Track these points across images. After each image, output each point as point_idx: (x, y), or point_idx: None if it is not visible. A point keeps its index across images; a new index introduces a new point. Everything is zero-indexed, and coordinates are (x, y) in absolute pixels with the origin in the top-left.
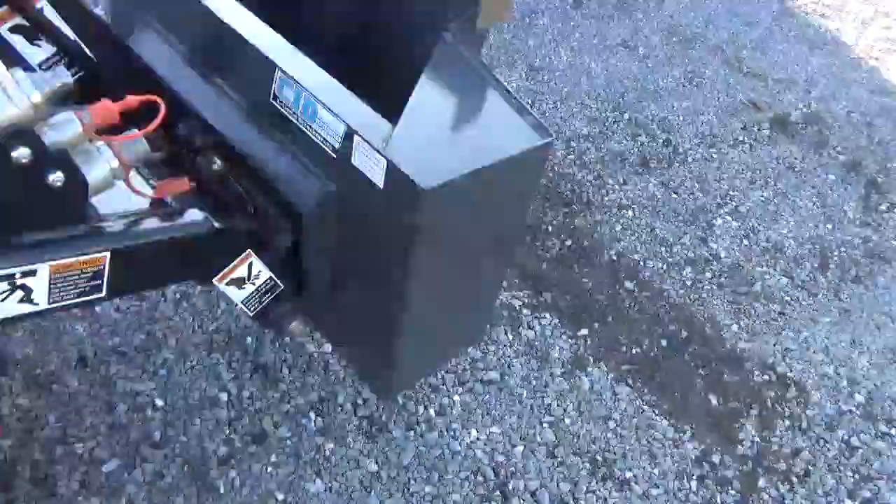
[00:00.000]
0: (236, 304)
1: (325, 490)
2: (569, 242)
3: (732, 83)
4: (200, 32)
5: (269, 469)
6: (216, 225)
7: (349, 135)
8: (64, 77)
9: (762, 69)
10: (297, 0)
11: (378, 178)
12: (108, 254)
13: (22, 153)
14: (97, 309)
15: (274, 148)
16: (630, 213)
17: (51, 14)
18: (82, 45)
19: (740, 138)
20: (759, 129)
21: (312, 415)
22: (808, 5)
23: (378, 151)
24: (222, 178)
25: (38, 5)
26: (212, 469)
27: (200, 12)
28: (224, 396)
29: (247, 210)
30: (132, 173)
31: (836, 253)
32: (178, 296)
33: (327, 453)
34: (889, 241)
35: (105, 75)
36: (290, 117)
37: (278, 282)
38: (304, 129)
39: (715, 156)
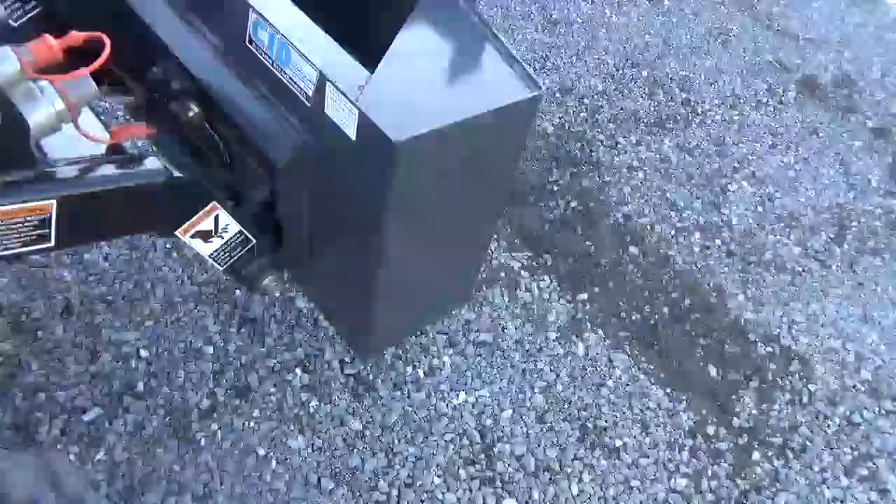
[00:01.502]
0: (205, 258)
1: (308, 447)
2: (574, 204)
3: (761, 41)
4: None
5: (252, 424)
6: (175, 174)
7: (322, 82)
8: None
9: (793, 27)
10: None
11: (350, 129)
12: (54, 202)
13: None
14: (85, 256)
15: (250, 95)
16: (641, 174)
17: None
18: None
19: (764, 100)
20: (784, 91)
21: (298, 371)
22: None
23: (350, 100)
24: (198, 126)
25: None
26: (193, 422)
27: None
28: (210, 349)
29: (222, 160)
30: (89, 117)
31: (854, 223)
32: (168, 246)
33: (311, 410)
34: None
35: (70, 12)
36: (265, 62)
37: (249, 235)
38: (278, 74)
39: (736, 118)
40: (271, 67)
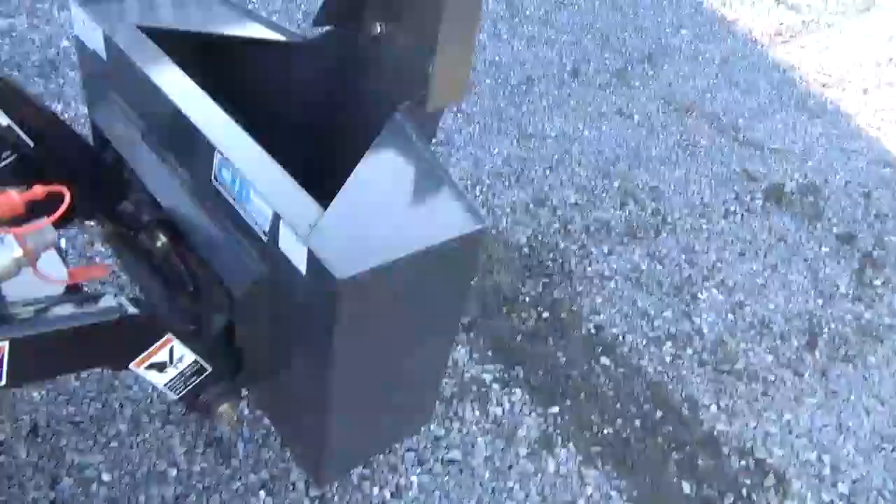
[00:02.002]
0: (159, 387)
1: None
2: (546, 315)
3: (727, 152)
4: (154, 110)
5: None
6: (129, 311)
7: (276, 219)
8: None
9: (759, 138)
10: (257, 80)
11: (301, 264)
12: (6, 343)
13: None
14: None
15: (214, 227)
16: (612, 284)
17: None
18: (16, 129)
19: (732, 208)
20: (751, 200)
21: (262, 493)
22: (809, 74)
23: (299, 237)
24: (165, 256)
25: None
26: None
27: (151, 89)
28: (173, 472)
29: (187, 288)
30: (50, 256)
31: (825, 330)
32: None
33: None
34: (882, 319)
35: (45, 158)
36: (228, 198)
37: (205, 364)
38: (239, 210)
39: (705, 226)
40: (233, 203)
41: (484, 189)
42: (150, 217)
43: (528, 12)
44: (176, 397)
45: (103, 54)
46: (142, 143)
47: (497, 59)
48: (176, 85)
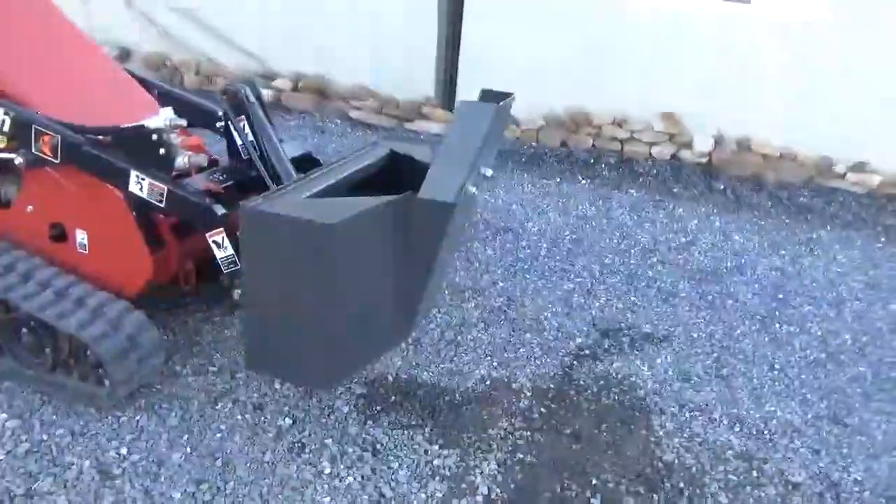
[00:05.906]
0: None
1: None
2: None
3: None
4: None
5: None
6: (212, 209)
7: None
8: (181, 121)
9: None
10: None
11: None
12: (166, 187)
13: (154, 137)
14: None
15: None
16: None
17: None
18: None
19: None
20: None
21: None
22: None
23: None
24: None
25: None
26: None
27: None
28: None
29: None
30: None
31: None
32: None
33: None
34: None
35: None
36: None
37: (239, 262)
38: None
39: None
40: None
41: None
42: None
43: None
44: (225, 272)
45: None
46: None
47: None
48: None
